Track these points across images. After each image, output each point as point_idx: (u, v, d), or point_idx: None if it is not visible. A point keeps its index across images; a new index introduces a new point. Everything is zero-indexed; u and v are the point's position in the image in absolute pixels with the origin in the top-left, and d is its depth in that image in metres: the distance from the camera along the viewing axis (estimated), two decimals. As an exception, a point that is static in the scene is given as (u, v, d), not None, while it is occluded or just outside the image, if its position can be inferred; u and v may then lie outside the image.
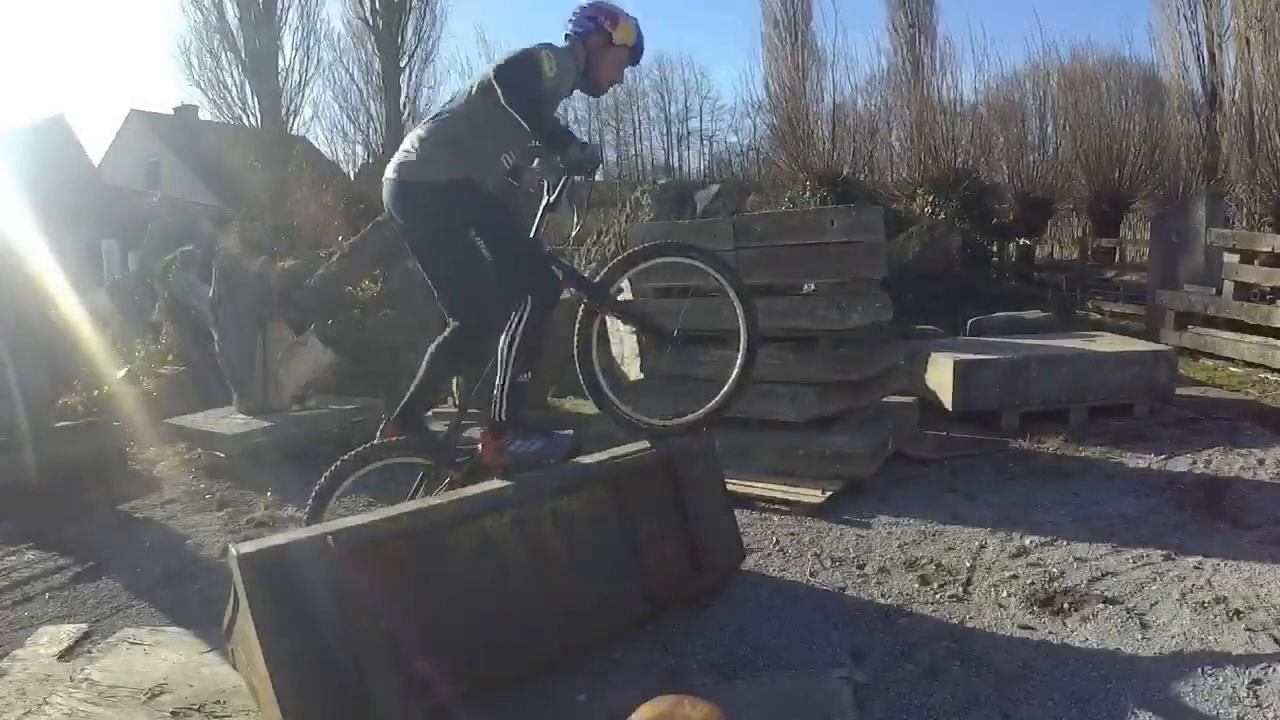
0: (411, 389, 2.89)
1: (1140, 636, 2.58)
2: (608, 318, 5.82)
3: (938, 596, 2.94)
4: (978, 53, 25.72)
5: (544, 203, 2.87)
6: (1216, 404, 5.65)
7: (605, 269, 3.06)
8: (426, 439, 2.90)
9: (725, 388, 2.97)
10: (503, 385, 2.72)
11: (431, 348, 2.88)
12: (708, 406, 2.99)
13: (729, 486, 3.26)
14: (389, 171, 2.74)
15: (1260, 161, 12.84)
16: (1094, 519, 3.61)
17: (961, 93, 18.17)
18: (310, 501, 2.72)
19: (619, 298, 3.09)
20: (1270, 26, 12.85)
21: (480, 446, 2.80)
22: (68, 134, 21.22)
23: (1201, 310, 7.65)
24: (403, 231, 2.86)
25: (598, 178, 2.92)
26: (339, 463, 2.76)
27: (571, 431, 2.89)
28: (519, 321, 2.67)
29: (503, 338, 2.70)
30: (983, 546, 3.37)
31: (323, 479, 2.74)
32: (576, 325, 2.95)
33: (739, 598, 2.97)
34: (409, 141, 2.76)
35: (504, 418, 2.74)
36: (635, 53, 2.97)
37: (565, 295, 2.93)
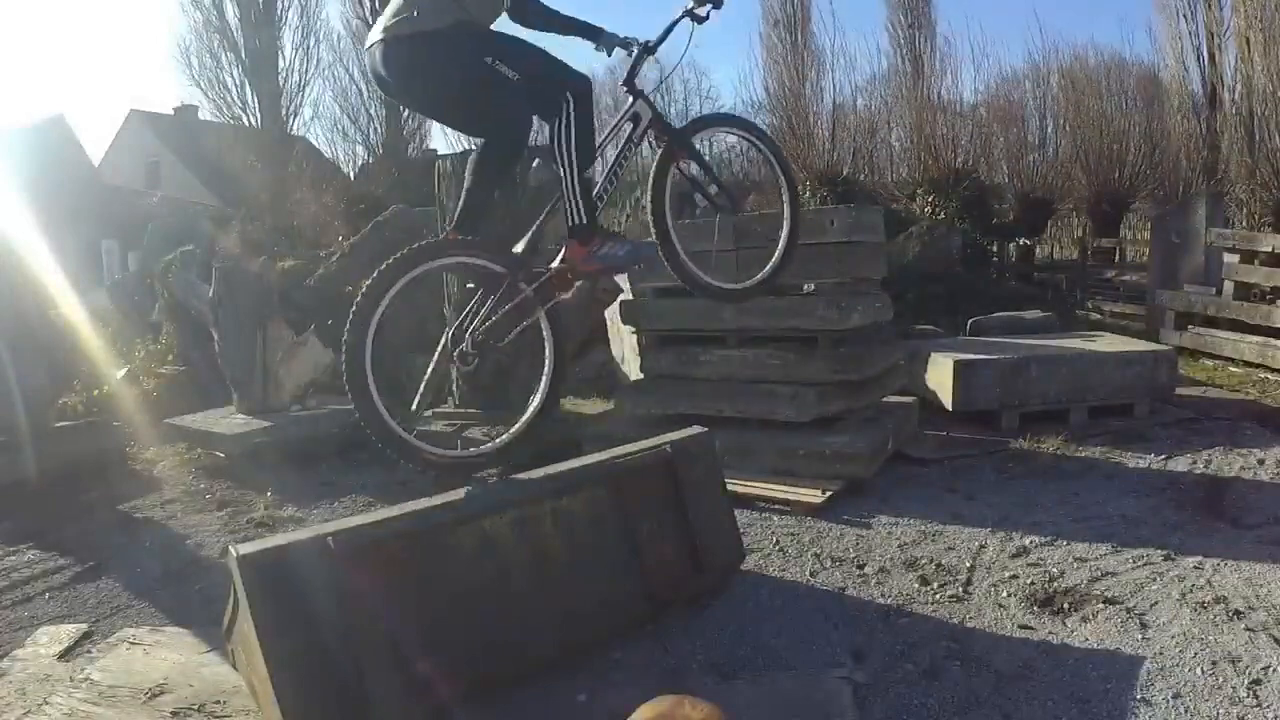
0: (461, 200, 2.76)
1: (1140, 636, 2.58)
2: (608, 320, 5.84)
3: (938, 596, 2.94)
4: (978, 52, 25.67)
5: (641, 45, 2.81)
6: (1216, 404, 5.66)
7: (688, 122, 3.04)
8: (496, 247, 2.74)
9: (778, 250, 3.12)
10: (571, 188, 2.64)
11: (470, 161, 2.78)
12: (764, 271, 3.12)
13: (729, 486, 3.25)
14: (377, 35, 2.55)
15: (1260, 161, 12.84)
16: (1094, 519, 3.61)
17: (961, 93, 18.19)
18: (362, 293, 2.42)
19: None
20: (1270, 26, 12.85)
21: (565, 258, 2.71)
22: (68, 134, 21.25)
23: (1201, 310, 7.65)
24: (407, 90, 2.67)
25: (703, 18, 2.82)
26: (404, 251, 2.47)
27: (647, 244, 2.84)
28: (566, 121, 2.62)
29: (556, 144, 2.64)
30: (983, 546, 3.37)
31: (383, 266, 2.44)
32: (653, 170, 2.91)
33: (739, 598, 2.97)
34: (394, 4, 2.57)
35: (584, 219, 2.67)
36: None
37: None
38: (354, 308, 2.42)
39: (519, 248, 2.74)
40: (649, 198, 2.92)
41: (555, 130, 2.63)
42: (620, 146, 2.82)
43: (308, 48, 19.97)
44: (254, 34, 19.11)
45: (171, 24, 36.72)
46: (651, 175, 2.92)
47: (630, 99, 2.85)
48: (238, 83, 19.43)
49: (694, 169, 3.04)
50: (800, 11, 19.27)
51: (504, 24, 2.76)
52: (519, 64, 2.59)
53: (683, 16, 2.83)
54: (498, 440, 2.81)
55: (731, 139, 3.08)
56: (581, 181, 2.66)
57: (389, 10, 2.59)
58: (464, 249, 2.64)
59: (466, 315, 2.69)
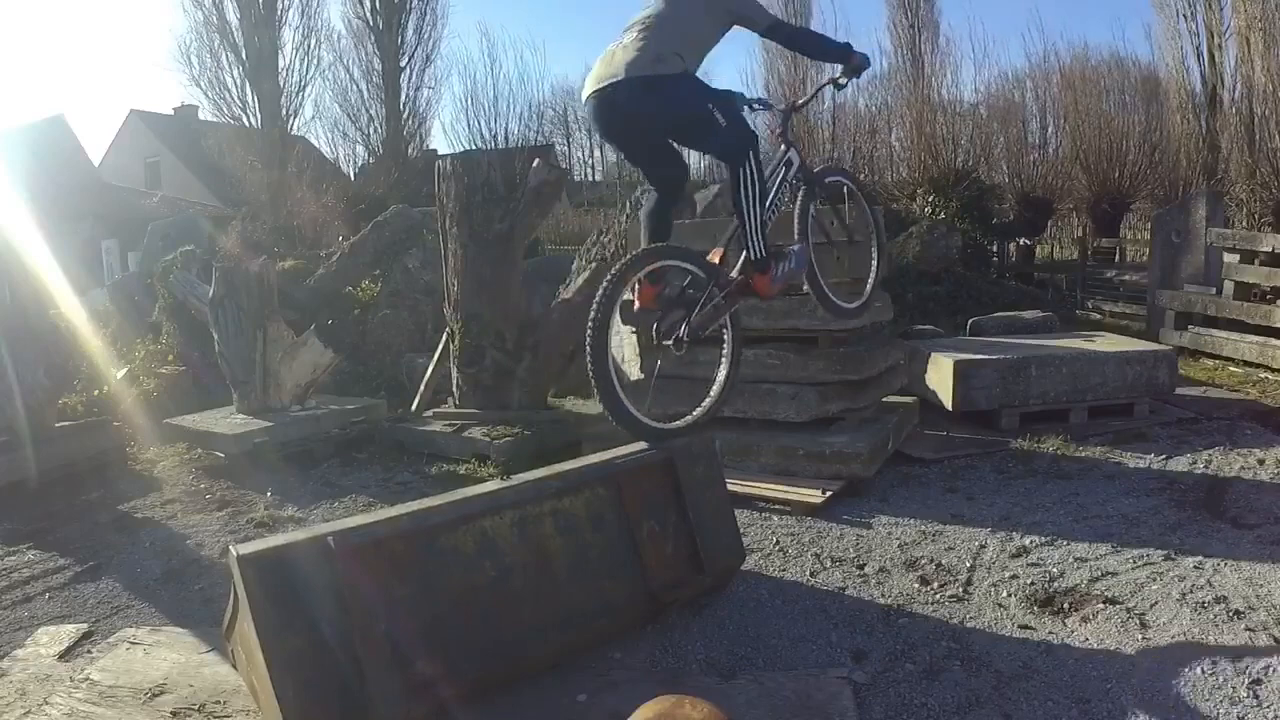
0: (645, 241, 3.32)
1: (1140, 636, 2.58)
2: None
3: (938, 596, 2.94)
4: (978, 53, 25.77)
5: (789, 105, 3.55)
6: (1216, 404, 5.65)
7: (819, 171, 3.62)
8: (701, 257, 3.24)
9: (869, 281, 3.88)
10: (756, 228, 3.14)
11: (643, 215, 3.43)
12: (863, 298, 3.81)
13: (729, 486, 3.25)
14: (623, 72, 3.03)
15: (1260, 161, 12.82)
16: (1094, 519, 3.61)
17: (961, 93, 18.19)
18: (597, 307, 2.84)
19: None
20: (1270, 26, 12.85)
21: (754, 286, 3.25)
22: (68, 134, 21.26)
23: (1201, 310, 7.64)
24: (634, 118, 3.15)
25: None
26: (620, 265, 2.92)
27: (799, 246, 3.34)
28: (751, 169, 3.09)
29: (741, 188, 3.11)
30: (983, 546, 3.37)
31: (610, 276, 2.87)
32: (798, 209, 3.46)
33: (739, 598, 2.97)
34: (634, 47, 3.06)
35: (765, 253, 3.18)
36: None
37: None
38: (595, 309, 2.86)
39: (714, 258, 3.23)
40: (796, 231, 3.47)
41: (741, 177, 3.09)
42: (776, 186, 3.32)
43: (308, 48, 19.93)
44: (254, 34, 19.08)
45: (172, 24, 36.67)
46: (797, 212, 3.45)
47: (784, 147, 3.41)
48: (238, 83, 19.38)
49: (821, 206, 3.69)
50: (800, 11, 19.28)
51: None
52: (728, 113, 3.12)
53: (827, 84, 3.58)
54: (694, 414, 3.22)
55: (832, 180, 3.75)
56: (762, 223, 3.15)
57: (624, 59, 3.06)
58: (667, 254, 3.12)
59: (672, 311, 3.16)
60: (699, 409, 3.25)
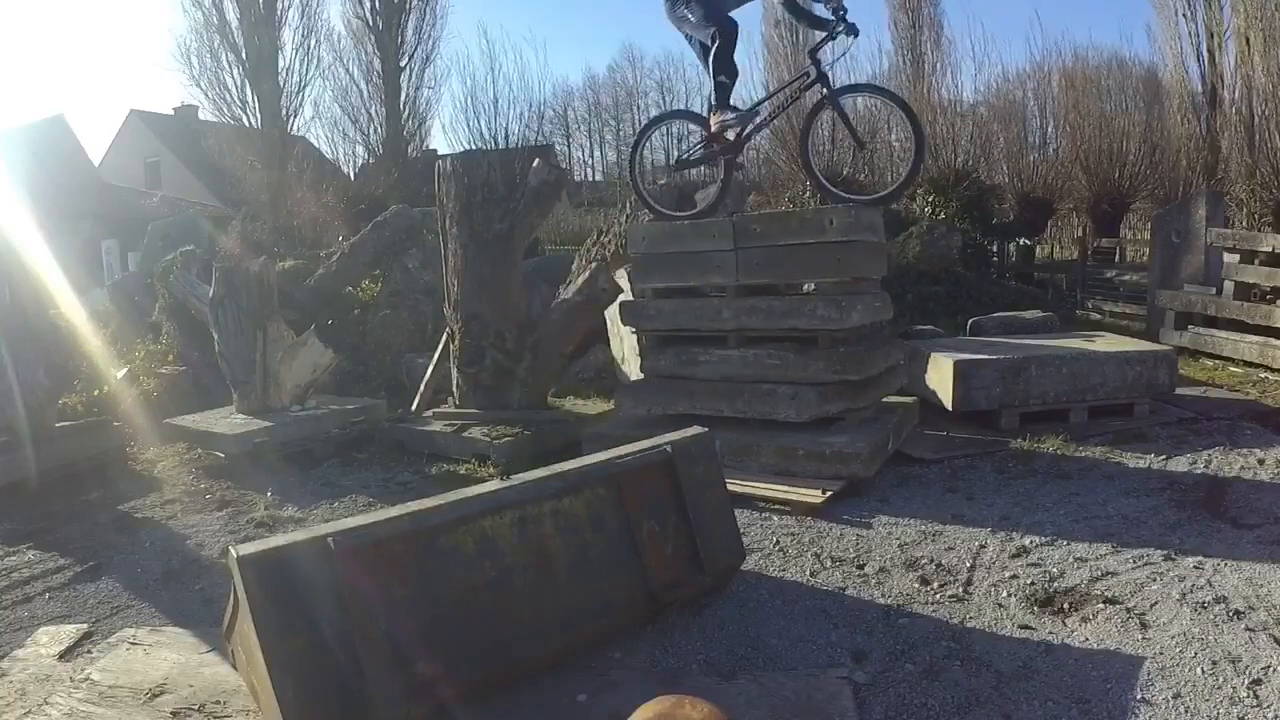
0: (716, 83, 4.66)
1: (1140, 636, 2.58)
2: (608, 320, 6.21)
3: (938, 596, 2.94)
4: (978, 52, 25.76)
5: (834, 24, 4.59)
6: (1216, 404, 5.65)
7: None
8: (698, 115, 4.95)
9: (911, 159, 4.78)
10: (713, 84, 4.65)
11: (710, 60, 4.63)
12: (904, 177, 5.03)
13: (729, 486, 3.25)
14: None
15: (1260, 161, 12.81)
16: (1094, 519, 3.61)
17: (962, 92, 18.18)
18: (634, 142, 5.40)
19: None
20: (1270, 26, 12.84)
21: (710, 121, 4.72)
22: (68, 134, 21.28)
23: (1201, 310, 7.64)
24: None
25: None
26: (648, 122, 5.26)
27: (754, 110, 4.79)
28: (715, 47, 4.57)
29: (709, 61, 4.60)
30: (983, 546, 3.37)
31: (639, 133, 5.34)
32: (808, 115, 4.96)
33: (739, 598, 2.97)
34: None
35: (716, 102, 4.67)
36: None
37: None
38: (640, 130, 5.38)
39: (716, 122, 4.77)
40: (801, 128, 5.14)
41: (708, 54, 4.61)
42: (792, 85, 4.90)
43: (308, 48, 19.89)
44: (254, 34, 19.06)
45: (172, 24, 36.67)
46: (806, 116, 4.97)
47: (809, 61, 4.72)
48: (238, 83, 19.33)
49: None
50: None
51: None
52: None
53: (826, 39, 4.61)
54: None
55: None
56: (719, 83, 4.62)
57: None
58: (680, 115, 5.55)
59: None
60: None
